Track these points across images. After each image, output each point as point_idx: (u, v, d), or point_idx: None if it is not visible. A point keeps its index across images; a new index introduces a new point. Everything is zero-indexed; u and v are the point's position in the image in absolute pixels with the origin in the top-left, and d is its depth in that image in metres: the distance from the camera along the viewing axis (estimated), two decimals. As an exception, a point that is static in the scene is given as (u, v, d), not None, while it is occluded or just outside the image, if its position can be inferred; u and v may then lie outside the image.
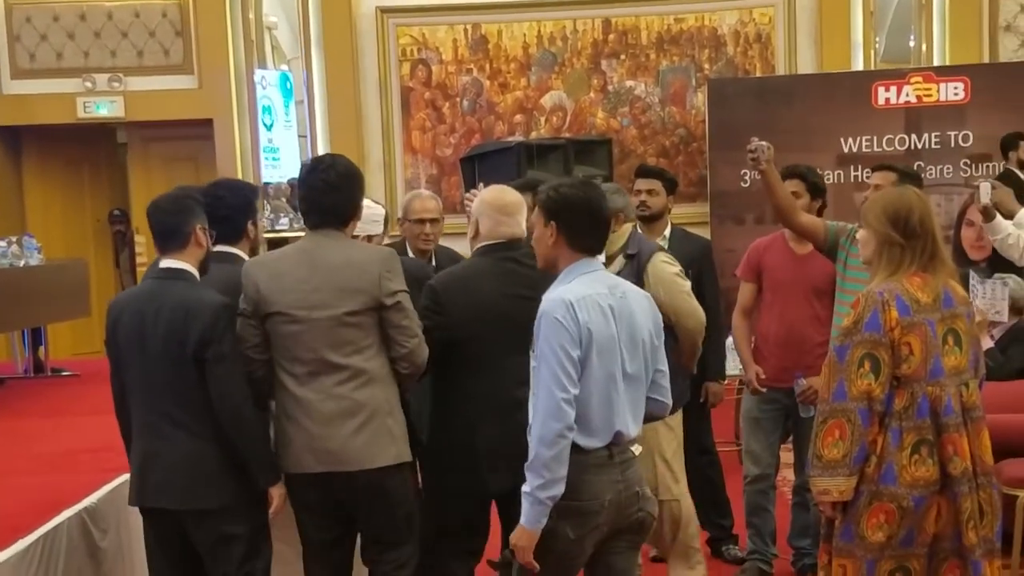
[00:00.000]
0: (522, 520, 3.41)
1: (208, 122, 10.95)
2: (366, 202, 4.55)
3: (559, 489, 3.35)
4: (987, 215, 5.36)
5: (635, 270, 4.79)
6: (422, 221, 5.45)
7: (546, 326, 3.39)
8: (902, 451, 3.62)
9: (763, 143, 5.06)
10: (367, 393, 3.93)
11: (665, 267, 4.86)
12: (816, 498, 3.77)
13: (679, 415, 5.00)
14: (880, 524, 3.64)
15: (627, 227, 4.98)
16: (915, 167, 7.73)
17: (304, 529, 4.12)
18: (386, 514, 4.02)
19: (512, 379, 3.86)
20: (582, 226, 3.54)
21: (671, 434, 4.95)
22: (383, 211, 5.19)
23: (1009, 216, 5.21)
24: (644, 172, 6.07)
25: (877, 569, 3.67)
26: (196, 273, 4.03)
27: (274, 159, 11.11)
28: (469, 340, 4.05)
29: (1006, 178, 9.21)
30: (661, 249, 5.05)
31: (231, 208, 4.35)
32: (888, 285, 3.68)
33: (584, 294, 3.43)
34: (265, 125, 11.04)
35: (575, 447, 3.39)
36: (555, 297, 3.43)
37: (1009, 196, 5.33)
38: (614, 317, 3.46)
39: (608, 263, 4.68)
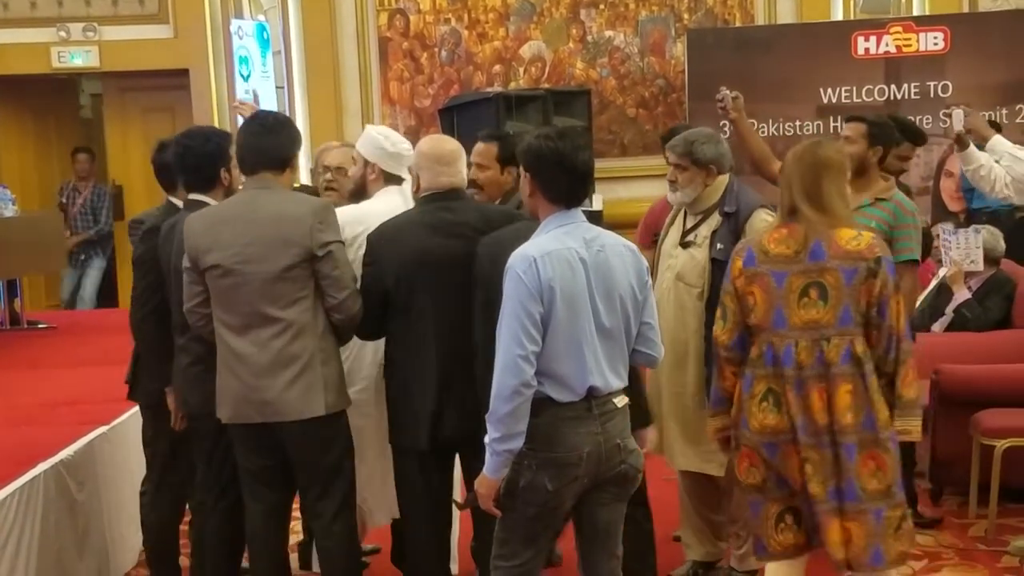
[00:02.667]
0: (484, 468, 3.46)
1: (184, 72, 10.85)
2: (383, 132, 4.61)
3: (516, 443, 3.38)
4: (960, 143, 5.22)
5: (732, 228, 4.47)
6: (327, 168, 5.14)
7: (508, 282, 3.40)
8: (752, 399, 3.76)
9: (731, 92, 5.00)
10: (300, 344, 3.98)
11: (766, 227, 4.34)
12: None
13: None
14: (748, 468, 3.81)
15: (722, 179, 4.59)
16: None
17: (249, 488, 4.19)
18: (320, 462, 4.09)
19: (446, 325, 3.89)
20: (553, 177, 3.51)
21: None
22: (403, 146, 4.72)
23: (983, 141, 5.07)
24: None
25: (763, 512, 3.81)
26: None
27: (251, 110, 10.99)
28: (397, 288, 4.04)
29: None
30: (763, 206, 4.54)
31: (200, 156, 4.37)
32: (751, 236, 3.82)
33: (551, 248, 3.43)
34: (242, 76, 10.94)
35: (550, 400, 3.42)
36: (520, 252, 3.43)
37: (982, 121, 5.19)
38: (586, 271, 3.44)
39: (703, 220, 4.59)
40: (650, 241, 5.35)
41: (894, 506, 3.73)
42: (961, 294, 6.32)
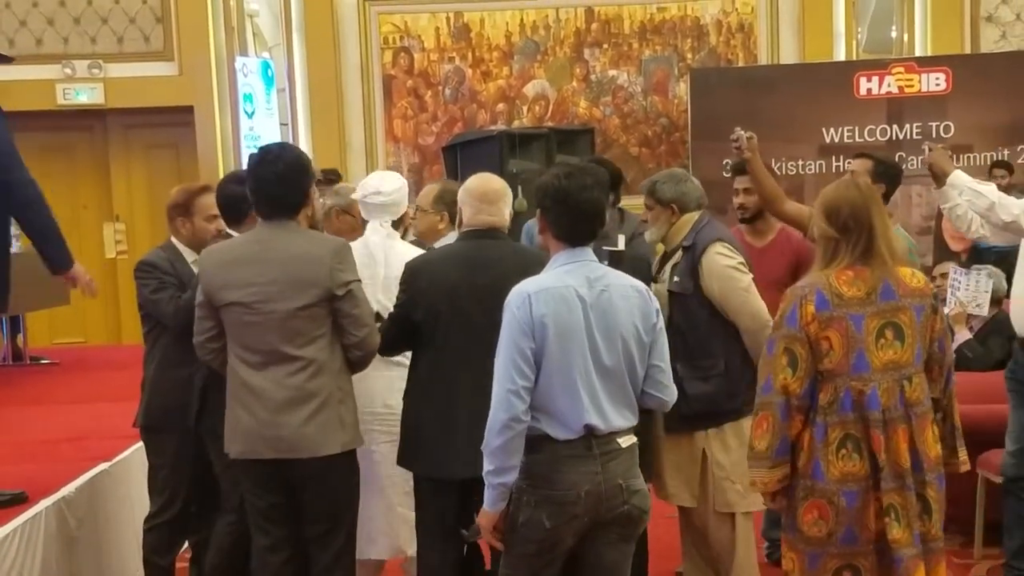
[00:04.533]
0: (484, 501, 3.49)
1: (189, 109, 10.90)
2: (380, 186, 4.72)
3: (509, 477, 3.40)
4: (936, 181, 5.17)
5: (689, 261, 4.54)
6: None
7: (505, 317, 3.43)
8: (828, 446, 3.62)
9: (745, 132, 5.02)
10: (319, 382, 3.99)
11: (719, 259, 4.50)
12: (750, 488, 3.82)
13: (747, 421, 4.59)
14: (816, 520, 3.65)
15: (688, 217, 4.64)
16: (896, 158, 7.75)
17: (256, 524, 4.18)
18: (329, 500, 4.11)
19: (474, 360, 3.87)
20: (559, 215, 3.52)
21: (735, 441, 4.57)
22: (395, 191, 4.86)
23: (943, 176, 4.99)
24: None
25: (821, 565, 3.68)
26: None
27: (256, 147, 10.99)
28: (426, 320, 4.07)
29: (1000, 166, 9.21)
30: (720, 240, 4.57)
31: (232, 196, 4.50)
32: (812, 279, 3.69)
33: (548, 285, 3.45)
34: (246, 113, 11.00)
35: (547, 438, 3.42)
36: (518, 289, 3.45)
37: (943, 157, 5.10)
38: (585, 309, 3.45)
39: (670, 256, 4.66)
40: None
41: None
42: (962, 334, 6.30)
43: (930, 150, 5.12)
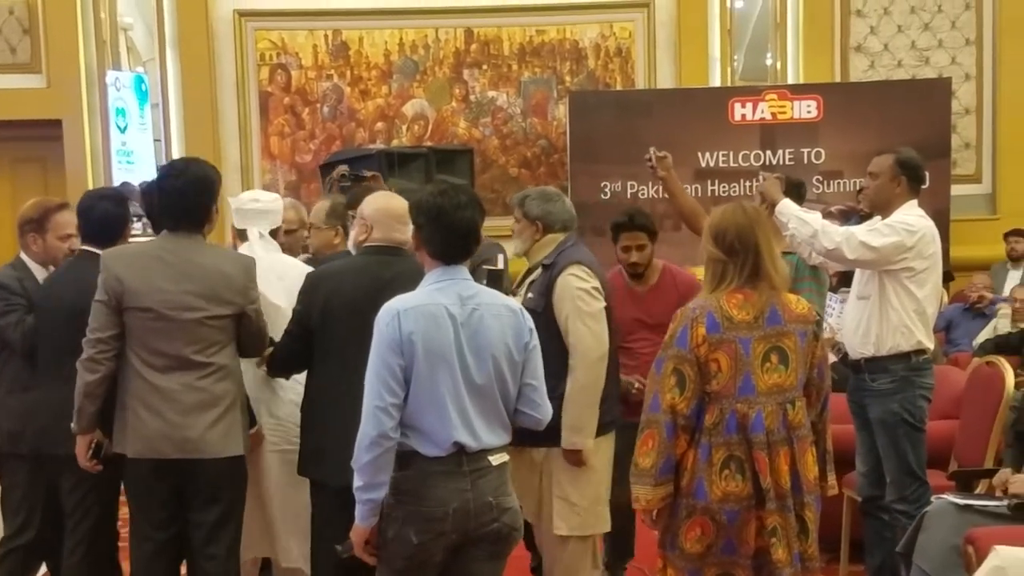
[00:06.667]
0: (355, 517, 3.54)
1: (57, 123, 10.61)
2: (257, 195, 4.89)
3: (378, 493, 3.44)
4: (769, 210, 5.18)
5: (545, 281, 4.56)
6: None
7: (375, 334, 3.47)
8: (712, 466, 3.69)
9: (658, 152, 5.07)
10: (223, 387, 4.17)
11: (571, 280, 4.51)
12: (633, 505, 3.83)
13: (601, 441, 4.62)
14: (698, 537, 3.72)
15: (553, 237, 4.68)
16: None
17: (140, 527, 4.25)
18: (228, 500, 4.25)
19: (354, 375, 3.85)
20: (431, 233, 3.57)
21: (588, 463, 4.57)
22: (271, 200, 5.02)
23: (773, 205, 5.04)
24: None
25: None
26: None
27: (128, 162, 10.83)
28: (324, 330, 4.13)
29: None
30: (579, 263, 4.57)
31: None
32: (703, 302, 3.75)
33: (418, 303, 3.48)
34: (119, 127, 10.76)
35: (417, 454, 3.46)
36: (387, 306, 3.50)
37: (775, 185, 5.15)
38: (455, 327, 3.47)
39: (530, 272, 4.71)
40: None
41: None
42: (831, 357, 6.41)
43: (764, 179, 5.20)
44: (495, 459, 3.56)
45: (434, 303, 3.48)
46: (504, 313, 3.61)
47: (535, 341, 3.68)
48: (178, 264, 4.11)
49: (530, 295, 4.57)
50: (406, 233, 4.15)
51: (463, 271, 3.61)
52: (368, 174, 6.37)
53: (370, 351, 3.47)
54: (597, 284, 4.56)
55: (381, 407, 3.39)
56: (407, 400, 3.44)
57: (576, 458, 4.50)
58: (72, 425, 4.17)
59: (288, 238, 5.24)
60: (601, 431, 4.55)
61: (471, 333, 3.49)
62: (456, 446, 3.46)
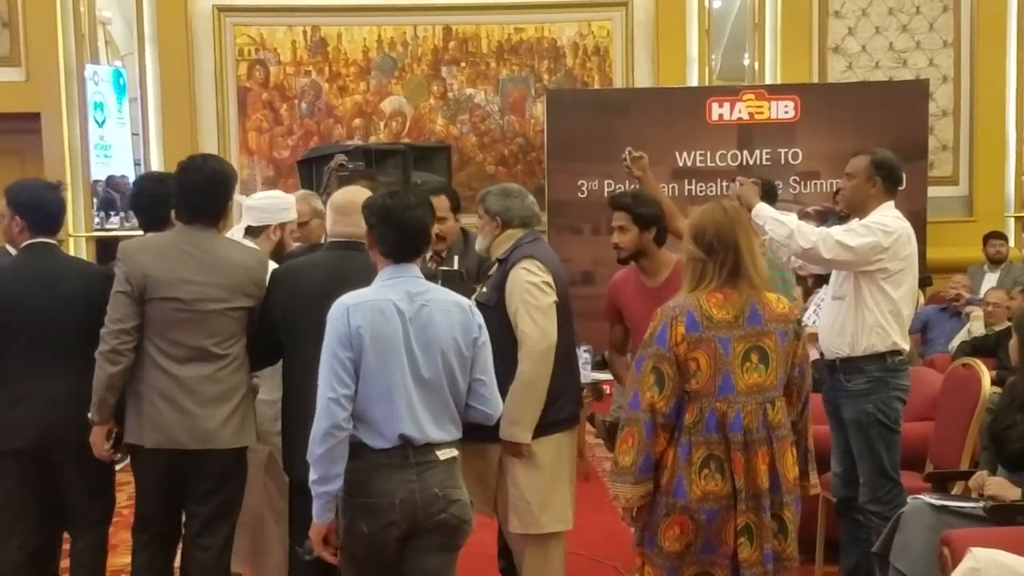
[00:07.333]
0: (312, 514, 3.58)
1: (36, 116, 10.61)
2: (267, 194, 4.99)
3: (333, 486, 3.50)
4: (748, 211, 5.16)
5: (499, 276, 4.56)
6: None
7: (327, 329, 3.54)
8: (691, 465, 3.69)
9: (634, 152, 5.06)
10: (238, 378, 4.24)
11: (521, 274, 4.48)
12: (613, 503, 3.83)
13: (554, 439, 4.59)
14: (676, 536, 3.72)
15: (512, 233, 4.66)
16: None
17: (146, 515, 4.31)
18: (229, 492, 4.29)
19: (314, 370, 3.89)
20: (385, 233, 3.65)
21: (539, 460, 4.54)
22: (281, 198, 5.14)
23: (749, 209, 5.04)
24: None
25: (679, 575, 3.76)
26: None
27: (106, 156, 10.82)
28: (283, 327, 4.19)
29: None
30: (532, 257, 4.54)
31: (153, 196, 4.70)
32: (682, 300, 3.75)
33: (367, 299, 3.56)
34: (97, 121, 10.74)
35: (364, 446, 3.53)
36: (338, 302, 3.57)
37: (751, 190, 5.15)
38: (404, 322, 3.55)
39: (489, 268, 4.73)
40: (616, 318, 5.20)
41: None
42: (812, 353, 6.44)
43: (741, 183, 5.21)
44: (443, 454, 3.61)
45: (383, 298, 3.57)
46: (453, 309, 3.67)
47: (485, 337, 3.73)
48: (201, 256, 4.18)
49: (484, 289, 4.59)
50: (350, 226, 4.21)
51: (414, 269, 3.69)
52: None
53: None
54: (548, 279, 4.52)
55: (333, 398, 3.46)
56: (357, 393, 3.51)
57: (515, 450, 4.50)
58: (90, 416, 4.18)
59: (301, 230, 5.33)
60: (553, 429, 4.54)
61: (419, 328, 3.57)
62: (402, 439, 3.52)
